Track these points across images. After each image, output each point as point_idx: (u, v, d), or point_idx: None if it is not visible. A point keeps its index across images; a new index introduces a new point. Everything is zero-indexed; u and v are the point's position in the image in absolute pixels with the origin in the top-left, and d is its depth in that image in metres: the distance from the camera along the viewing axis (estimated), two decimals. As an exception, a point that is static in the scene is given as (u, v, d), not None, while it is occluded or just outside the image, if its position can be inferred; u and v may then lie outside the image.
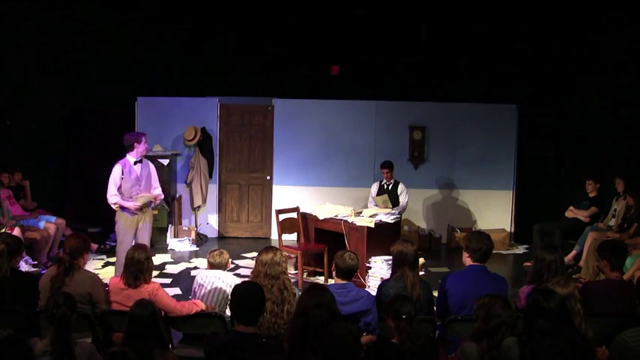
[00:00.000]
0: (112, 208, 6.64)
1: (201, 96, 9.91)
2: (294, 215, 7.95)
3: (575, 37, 9.35)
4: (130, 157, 6.62)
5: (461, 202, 9.99)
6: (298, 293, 4.51)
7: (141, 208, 6.60)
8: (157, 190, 6.81)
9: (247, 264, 8.23)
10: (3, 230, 7.28)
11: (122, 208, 6.57)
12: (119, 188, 6.55)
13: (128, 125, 9.78)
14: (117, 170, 6.55)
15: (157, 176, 6.91)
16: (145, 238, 6.63)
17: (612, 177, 8.27)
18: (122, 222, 6.62)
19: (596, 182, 8.46)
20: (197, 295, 5.03)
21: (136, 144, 6.60)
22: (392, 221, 7.56)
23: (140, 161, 6.67)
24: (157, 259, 8.44)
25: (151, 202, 6.74)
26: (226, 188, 10.09)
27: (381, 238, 7.22)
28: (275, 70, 10.12)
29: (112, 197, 6.53)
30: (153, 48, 9.88)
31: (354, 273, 4.60)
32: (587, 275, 6.97)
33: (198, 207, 9.88)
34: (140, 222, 6.65)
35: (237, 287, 3.77)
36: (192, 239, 9.43)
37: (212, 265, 5.21)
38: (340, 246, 6.94)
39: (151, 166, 6.89)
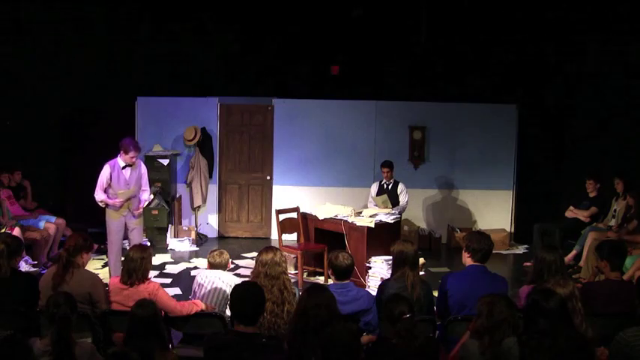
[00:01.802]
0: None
1: (201, 96, 9.91)
2: (294, 215, 7.95)
3: (575, 37, 9.35)
4: (120, 161, 6.65)
5: (461, 202, 9.99)
6: (298, 293, 4.51)
7: (125, 205, 6.65)
8: (145, 195, 6.85)
9: (247, 264, 8.23)
10: (3, 230, 7.27)
11: (108, 205, 6.66)
12: (110, 188, 6.61)
13: (128, 125, 9.79)
14: (105, 172, 6.60)
15: (147, 179, 6.93)
16: (135, 240, 6.67)
17: (612, 177, 8.27)
18: (110, 222, 6.70)
19: (596, 182, 8.45)
20: (197, 295, 5.03)
21: (122, 152, 6.64)
22: (392, 221, 7.56)
23: (130, 165, 6.67)
24: (157, 259, 8.44)
25: (134, 207, 6.76)
26: (226, 188, 10.09)
27: (381, 238, 7.22)
28: (275, 70, 10.12)
29: (98, 195, 6.64)
30: (153, 48, 9.87)
31: (351, 272, 4.60)
32: (587, 275, 6.97)
33: (198, 207, 9.88)
34: (129, 223, 6.70)
35: (236, 287, 3.77)
36: (192, 239, 9.43)
37: (212, 265, 5.21)
38: (340, 246, 6.94)
39: (142, 168, 6.90)
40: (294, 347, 3.59)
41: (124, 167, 6.64)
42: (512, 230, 9.88)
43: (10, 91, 9.40)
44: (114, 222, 6.66)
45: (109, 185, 6.61)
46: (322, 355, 3.17)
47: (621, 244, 5.28)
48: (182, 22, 9.84)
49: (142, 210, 6.91)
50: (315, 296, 3.72)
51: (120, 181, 6.61)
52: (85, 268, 4.82)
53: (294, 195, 9.67)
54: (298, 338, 3.60)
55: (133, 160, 6.65)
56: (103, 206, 6.68)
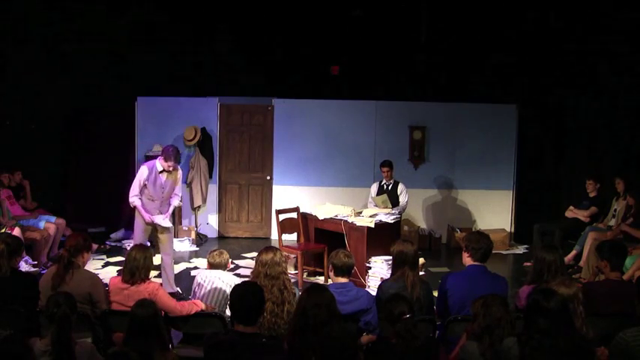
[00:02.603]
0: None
1: (201, 96, 9.91)
2: (294, 215, 7.95)
3: (575, 37, 9.35)
4: (158, 165, 6.63)
5: (461, 202, 9.99)
6: (298, 293, 4.51)
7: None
8: (176, 200, 6.86)
9: (247, 264, 8.23)
10: (3, 230, 7.27)
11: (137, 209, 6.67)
12: (145, 189, 6.62)
13: (128, 125, 9.81)
14: (143, 173, 6.58)
15: (180, 185, 6.92)
16: (165, 247, 6.72)
17: (612, 177, 8.27)
18: (139, 221, 6.71)
19: (596, 182, 8.45)
20: (197, 295, 5.04)
21: (162, 158, 6.59)
22: (392, 221, 7.56)
23: (168, 171, 6.68)
24: (158, 259, 8.42)
25: (164, 211, 6.79)
26: (226, 188, 10.09)
27: (381, 238, 7.22)
28: (275, 70, 10.12)
29: (133, 198, 6.62)
30: (153, 48, 9.88)
31: (351, 270, 4.62)
32: (588, 275, 6.97)
33: (198, 207, 9.88)
34: (158, 227, 6.73)
35: (236, 287, 3.78)
36: (192, 239, 9.43)
37: (212, 265, 5.22)
38: (340, 246, 6.89)
39: (179, 174, 6.86)
40: (294, 347, 3.59)
41: (161, 171, 6.63)
42: (512, 230, 9.88)
43: (10, 91, 9.40)
44: (143, 222, 6.65)
45: (145, 186, 6.60)
46: (320, 356, 3.17)
47: (621, 244, 5.28)
48: (182, 22, 9.85)
49: (169, 216, 6.87)
50: (315, 296, 3.72)
51: (156, 185, 6.62)
52: (85, 268, 4.83)
53: (294, 195, 9.67)
54: (298, 338, 3.60)
55: (170, 169, 6.64)
56: (132, 206, 6.69)
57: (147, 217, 6.62)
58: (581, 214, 8.48)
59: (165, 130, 9.78)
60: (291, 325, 3.81)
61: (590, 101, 9.43)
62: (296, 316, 3.77)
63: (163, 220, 6.70)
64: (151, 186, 6.61)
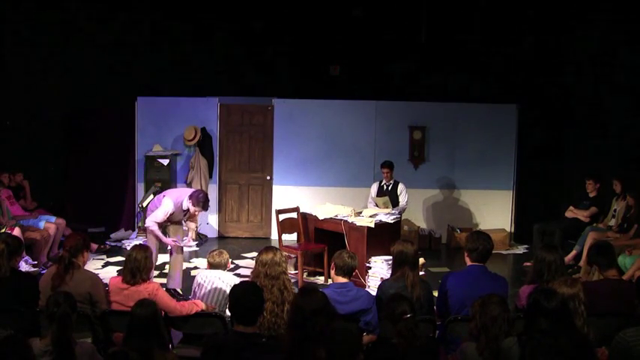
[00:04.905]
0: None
1: (201, 96, 9.91)
2: (294, 215, 7.94)
3: (575, 37, 9.36)
4: (185, 204, 6.59)
5: (461, 202, 9.99)
6: (298, 293, 4.51)
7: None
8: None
9: (247, 264, 8.23)
10: (3, 230, 7.26)
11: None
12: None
13: (128, 125, 9.81)
14: (168, 208, 6.53)
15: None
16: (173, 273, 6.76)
17: (611, 178, 8.26)
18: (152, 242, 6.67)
19: (596, 182, 8.45)
20: (197, 295, 5.04)
21: (189, 201, 6.55)
22: (392, 221, 7.56)
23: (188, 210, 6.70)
24: (157, 258, 8.41)
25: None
26: (226, 188, 10.09)
27: (381, 238, 7.22)
28: (275, 70, 10.12)
29: (153, 225, 6.55)
30: (153, 48, 9.88)
31: (352, 271, 4.62)
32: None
33: (198, 207, 9.86)
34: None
35: (235, 287, 3.77)
36: (192, 239, 9.42)
37: (212, 265, 5.22)
38: (340, 246, 6.92)
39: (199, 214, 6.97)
40: (294, 347, 3.58)
41: (185, 210, 6.64)
42: (512, 230, 9.87)
43: (10, 91, 9.40)
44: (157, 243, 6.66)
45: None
46: (325, 355, 3.16)
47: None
48: (182, 22, 9.85)
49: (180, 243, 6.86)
50: (309, 301, 3.57)
51: (174, 218, 6.67)
52: (85, 268, 4.83)
53: (294, 195, 9.66)
54: (298, 338, 3.59)
55: (196, 213, 6.74)
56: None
57: (169, 241, 6.64)
58: (581, 214, 8.48)
59: (166, 130, 9.79)
60: (290, 325, 3.79)
61: (590, 101, 9.43)
62: (293, 317, 3.73)
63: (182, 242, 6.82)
64: (170, 217, 6.62)
